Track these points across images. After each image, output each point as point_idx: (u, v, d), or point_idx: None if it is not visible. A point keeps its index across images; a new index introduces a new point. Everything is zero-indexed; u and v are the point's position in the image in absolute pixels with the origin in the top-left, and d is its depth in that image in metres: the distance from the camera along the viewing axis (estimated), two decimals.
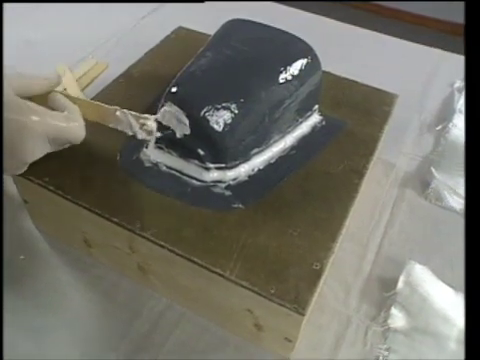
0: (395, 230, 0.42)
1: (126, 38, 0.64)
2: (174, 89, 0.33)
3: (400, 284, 0.37)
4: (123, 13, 0.69)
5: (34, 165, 0.35)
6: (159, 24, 0.66)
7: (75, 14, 0.67)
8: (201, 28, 0.52)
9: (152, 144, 0.36)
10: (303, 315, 0.28)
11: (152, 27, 0.67)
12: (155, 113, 0.35)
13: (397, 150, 0.49)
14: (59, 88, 0.55)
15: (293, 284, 0.28)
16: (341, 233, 0.32)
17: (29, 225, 0.40)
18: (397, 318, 0.36)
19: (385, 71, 0.59)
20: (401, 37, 0.67)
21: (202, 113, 0.32)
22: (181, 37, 0.50)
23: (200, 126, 0.33)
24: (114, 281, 0.37)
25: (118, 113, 0.34)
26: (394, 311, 0.36)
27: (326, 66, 0.40)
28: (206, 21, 0.54)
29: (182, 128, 0.33)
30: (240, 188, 0.34)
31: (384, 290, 0.37)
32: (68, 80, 0.56)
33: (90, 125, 0.39)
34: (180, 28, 0.51)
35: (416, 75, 0.59)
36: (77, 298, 0.36)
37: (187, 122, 0.33)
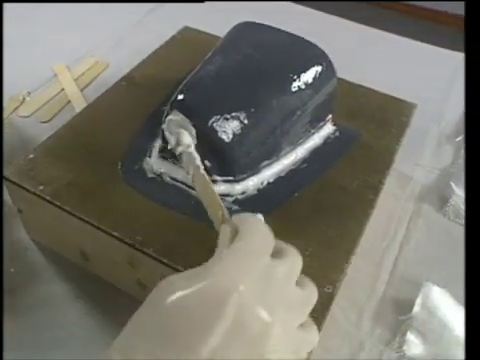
0: (411, 248, 0.42)
1: (127, 37, 0.65)
2: (180, 96, 0.34)
3: (416, 307, 0.37)
4: (124, 11, 0.69)
5: (30, 173, 0.35)
6: (162, 22, 0.67)
7: (74, 11, 0.68)
8: (205, 27, 0.52)
9: (156, 153, 0.36)
10: None
11: (154, 25, 0.67)
12: (160, 120, 0.35)
13: (414, 162, 0.50)
14: (56, 87, 0.57)
15: None
16: (355, 253, 0.32)
17: (22, 235, 0.41)
18: (413, 344, 0.36)
19: (401, 76, 0.59)
20: (415, 37, 0.68)
21: (210, 123, 0.32)
22: (187, 38, 0.50)
23: (207, 136, 0.33)
24: (112, 296, 0.37)
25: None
26: (410, 337, 0.36)
27: (337, 70, 0.40)
28: (210, 20, 0.55)
29: (189, 138, 0.33)
30: (248, 202, 0.34)
31: (399, 313, 0.37)
32: (66, 79, 0.56)
33: (92, 128, 0.39)
34: (186, 28, 0.52)
35: (435, 80, 0.59)
36: (72, 314, 0.36)
37: (194, 132, 0.33)
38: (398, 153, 0.45)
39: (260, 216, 0.25)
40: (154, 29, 0.66)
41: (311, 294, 0.24)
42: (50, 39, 0.62)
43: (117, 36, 0.64)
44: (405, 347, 0.35)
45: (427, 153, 0.51)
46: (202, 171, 0.31)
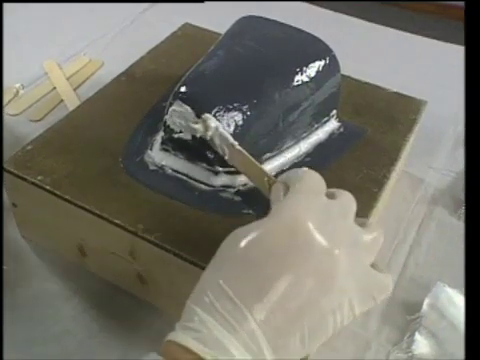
0: (422, 251, 0.49)
1: (122, 35, 0.73)
2: (183, 88, 0.41)
3: (425, 307, 0.43)
4: (118, 9, 0.78)
5: (28, 164, 0.42)
6: (159, 20, 0.76)
7: (66, 7, 0.77)
8: (202, 25, 0.60)
9: (157, 146, 0.43)
10: None
11: (151, 23, 0.76)
12: (161, 114, 0.42)
13: (426, 164, 0.57)
14: (47, 86, 0.64)
15: None
16: None
17: (14, 233, 0.47)
18: (422, 345, 0.41)
19: (416, 76, 0.67)
20: (431, 35, 0.76)
21: (212, 113, 0.39)
22: (187, 34, 0.58)
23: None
24: (109, 293, 0.43)
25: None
26: (418, 337, 0.42)
27: (347, 69, 0.48)
28: (207, 18, 0.62)
29: (191, 129, 0.40)
30: (251, 194, 0.40)
31: (408, 314, 0.43)
32: (57, 78, 0.64)
33: (91, 122, 0.46)
34: (186, 25, 0.60)
35: (452, 81, 0.67)
36: (67, 310, 0.42)
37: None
38: (409, 154, 0.52)
39: (305, 168, 0.32)
40: (150, 27, 0.74)
41: (376, 234, 0.30)
42: (40, 37, 0.71)
43: (110, 35, 0.73)
44: (414, 347, 0.41)
45: (441, 156, 0.58)
46: (238, 147, 0.38)
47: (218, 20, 0.55)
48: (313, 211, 0.28)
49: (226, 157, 0.39)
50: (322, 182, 0.31)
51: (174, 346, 0.26)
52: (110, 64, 0.67)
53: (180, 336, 0.26)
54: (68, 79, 0.64)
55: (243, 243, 0.28)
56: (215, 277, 0.28)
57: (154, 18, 0.77)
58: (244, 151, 0.38)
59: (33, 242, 0.47)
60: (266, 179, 0.36)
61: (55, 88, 0.63)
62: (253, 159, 0.38)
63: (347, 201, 0.31)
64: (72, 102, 0.60)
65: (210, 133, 0.39)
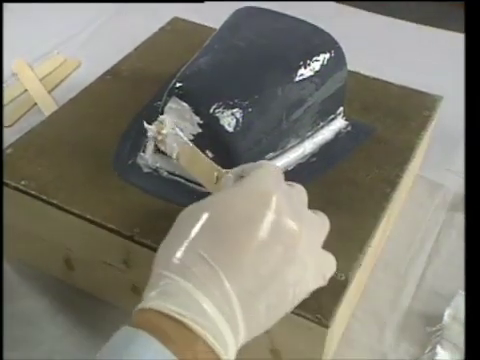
0: (441, 260, 0.55)
1: (101, 31, 0.80)
2: (179, 83, 0.47)
3: (446, 318, 0.49)
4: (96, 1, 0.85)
5: (9, 168, 0.48)
6: (142, 15, 0.83)
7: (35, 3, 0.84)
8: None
9: (151, 148, 0.50)
10: (327, 327, 0.39)
11: (133, 18, 0.83)
12: (153, 114, 0.49)
13: (444, 167, 0.64)
14: (18, 88, 0.71)
15: (314, 295, 0.40)
16: (370, 245, 0.44)
17: None
18: (445, 358, 0.47)
19: (431, 71, 0.75)
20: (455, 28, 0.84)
21: (211, 110, 0.46)
22: (177, 29, 0.65)
23: (208, 125, 0.46)
24: (100, 309, 0.49)
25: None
26: (440, 350, 0.48)
27: (354, 64, 0.54)
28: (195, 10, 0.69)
29: (189, 128, 0.47)
30: None
31: (427, 326, 0.49)
32: (28, 79, 0.71)
33: (76, 123, 0.53)
34: (176, 19, 0.67)
35: None
36: (54, 330, 0.47)
37: (195, 121, 0.46)
38: (424, 155, 0.59)
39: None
40: (132, 23, 0.82)
41: (324, 219, 0.40)
42: (6, 34, 0.77)
43: (88, 31, 0.80)
44: None
45: (461, 157, 0.65)
46: (191, 145, 0.45)
47: (206, 15, 0.61)
48: (278, 187, 0.36)
49: (174, 155, 0.46)
50: (280, 171, 0.39)
51: (151, 314, 0.30)
52: (88, 64, 0.74)
53: (157, 302, 0.30)
54: (41, 80, 0.70)
55: (213, 209, 0.34)
56: (182, 243, 0.33)
57: (136, 13, 0.85)
58: (196, 149, 0.45)
59: (11, 257, 0.52)
60: (216, 173, 0.43)
61: (26, 90, 0.69)
62: (204, 155, 0.45)
63: (302, 191, 0.40)
64: (47, 106, 0.66)
65: (165, 132, 0.46)
